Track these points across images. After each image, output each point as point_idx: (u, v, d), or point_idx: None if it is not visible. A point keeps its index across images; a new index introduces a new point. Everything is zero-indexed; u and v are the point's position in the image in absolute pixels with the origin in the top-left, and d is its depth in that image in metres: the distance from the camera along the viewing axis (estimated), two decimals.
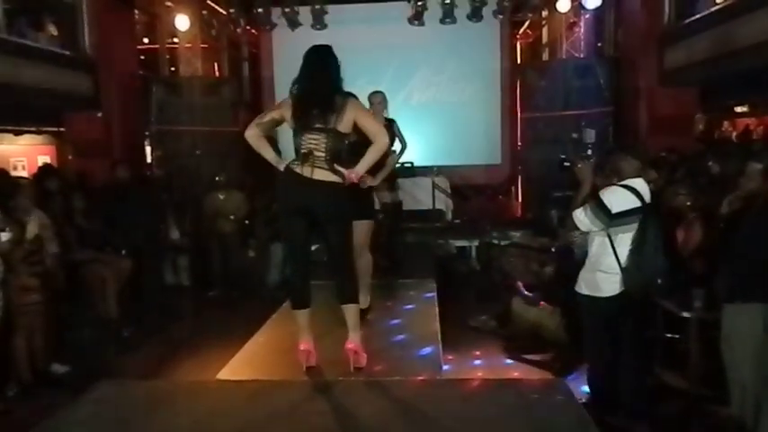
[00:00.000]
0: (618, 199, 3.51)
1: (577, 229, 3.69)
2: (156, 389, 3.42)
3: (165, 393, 3.24)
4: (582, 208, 3.58)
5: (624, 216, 3.49)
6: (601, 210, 3.49)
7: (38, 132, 8.27)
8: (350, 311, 3.44)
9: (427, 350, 3.77)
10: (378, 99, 4.73)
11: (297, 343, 3.48)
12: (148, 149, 9.20)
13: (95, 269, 5.73)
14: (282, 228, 3.50)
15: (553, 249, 6.11)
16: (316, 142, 3.15)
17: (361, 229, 3.97)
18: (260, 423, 2.78)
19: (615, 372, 3.74)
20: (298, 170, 3.18)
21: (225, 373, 3.54)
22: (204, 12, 9.84)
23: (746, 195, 3.65)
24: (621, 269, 3.52)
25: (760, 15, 5.80)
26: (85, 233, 5.77)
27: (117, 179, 6.74)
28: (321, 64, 3.24)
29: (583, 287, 3.71)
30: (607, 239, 3.56)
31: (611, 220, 3.49)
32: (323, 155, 3.15)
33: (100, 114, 7.92)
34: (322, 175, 3.15)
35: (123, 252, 6.11)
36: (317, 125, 3.14)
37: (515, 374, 4.83)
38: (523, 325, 5.52)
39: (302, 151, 3.17)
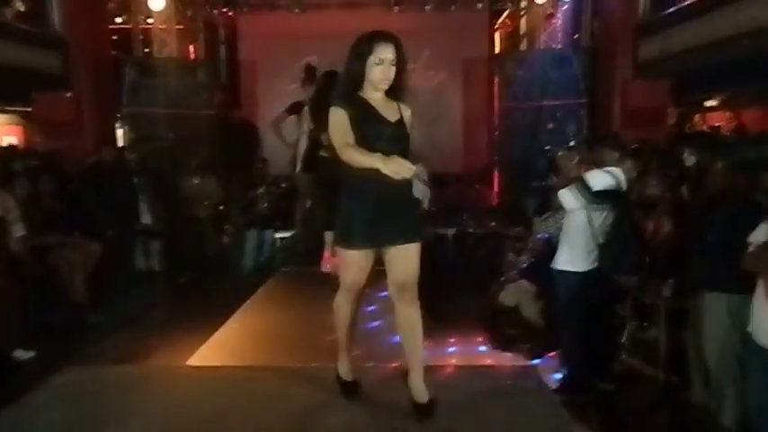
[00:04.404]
0: (598, 179, 3.88)
1: (562, 208, 4.00)
2: (125, 374, 3.37)
3: (133, 379, 3.19)
4: (567, 187, 3.92)
5: (603, 195, 3.85)
6: (584, 187, 3.85)
7: (4, 112, 8.04)
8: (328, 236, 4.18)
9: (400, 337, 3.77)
10: None
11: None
12: (120, 132, 9.02)
13: (63, 253, 5.62)
14: None
15: (531, 241, 6.14)
16: None
17: (406, 258, 2.63)
18: (230, 409, 2.76)
19: (587, 353, 3.86)
20: None
21: (196, 359, 3.52)
22: None
23: (715, 192, 3.70)
24: (598, 246, 3.85)
25: (732, 10, 5.89)
26: (54, 216, 5.65)
27: (102, 161, 6.65)
28: None
29: (561, 263, 4.01)
30: (586, 218, 3.89)
31: (592, 197, 3.84)
32: None
33: (70, 94, 7.71)
34: None
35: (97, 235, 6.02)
36: None
37: (489, 361, 4.88)
38: (506, 311, 5.55)
39: None
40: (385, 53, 2.55)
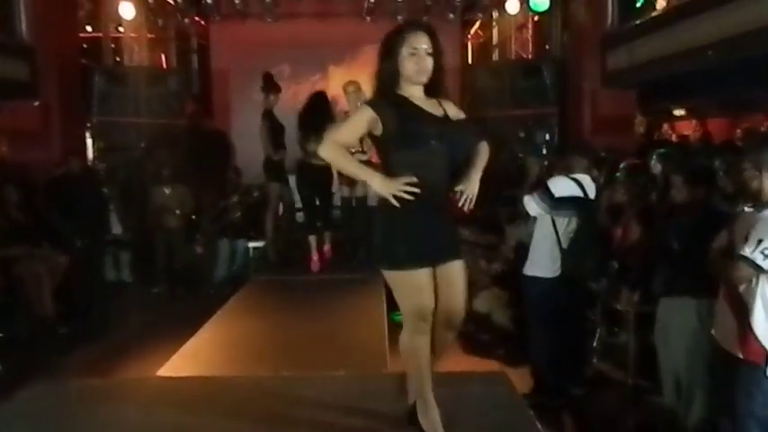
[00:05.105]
0: (561, 186, 3.92)
1: (528, 216, 4.06)
2: (94, 387, 3.31)
3: (102, 391, 3.14)
4: (530, 194, 3.99)
5: (565, 201, 3.88)
6: (545, 194, 3.89)
7: None
8: (326, 233, 5.76)
9: (373, 345, 3.78)
10: (351, 88, 5.65)
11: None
12: (89, 141, 8.89)
13: (30, 265, 5.50)
14: None
15: (503, 249, 6.19)
16: None
17: (457, 280, 2.38)
18: (200, 420, 2.72)
19: (557, 358, 3.90)
20: None
21: (166, 370, 3.46)
22: (150, 0, 9.57)
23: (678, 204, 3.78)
24: (561, 251, 3.89)
25: (696, 21, 6.04)
26: (19, 227, 5.54)
27: (70, 172, 6.57)
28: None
29: (529, 269, 4.06)
30: (551, 224, 3.92)
31: (554, 203, 3.87)
32: None
33: (37, 103, 7.58)
34: None
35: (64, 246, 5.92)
36: None
37: (461, 368, 4.89)
38: (478, 318, 5.59)
39: None
40: (418, 42, 2.29)
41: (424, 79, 2.33)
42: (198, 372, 3.41)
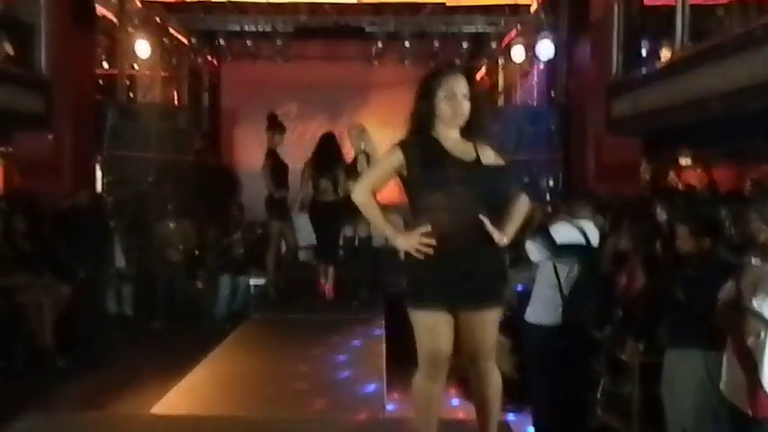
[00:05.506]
0: (562, 232, 3.88)
1: (530, 260, 4.00)
2: (86, 421, 3.27)
3: (94, 426, 3.11)
4: (531, 239, 3.92)
5: (567, 248, 3.83)
6: (547, 240, 3.83)
7: None
8: (330, 269, 5.99)
9: (371, 388, 3.73)
10: (355, 131, 5.94)
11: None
12: (99, 174, 8.98)
13: (33, 294, 5.49)
14: None
15: (506, 294, 6.14)
16: None
17: (481, 325, 2.34)
18: None
19: (558, 407, 3.81)
20: None
21: (160, 407, 3.41)
22: (165, 40, 9.81)
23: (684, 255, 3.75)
24: (562, 298, 3.83)
25: (701, 73, 6.12)
26: (24, 256, 5.55)
27: (77, 204, 6.64)
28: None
29: (530, 315, 3.99)
30: (552, 270, 3.87)
31: (556, 249, 3.82)
32: None
33: (51, 136, 7.70)
34: None
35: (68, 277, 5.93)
36: None
37: (461, 415, 4.79)
38: None
39: None
40: (455, 86, 2.30)
41: (461, 123, 2.34)
42: (192, 409, 3.36)
